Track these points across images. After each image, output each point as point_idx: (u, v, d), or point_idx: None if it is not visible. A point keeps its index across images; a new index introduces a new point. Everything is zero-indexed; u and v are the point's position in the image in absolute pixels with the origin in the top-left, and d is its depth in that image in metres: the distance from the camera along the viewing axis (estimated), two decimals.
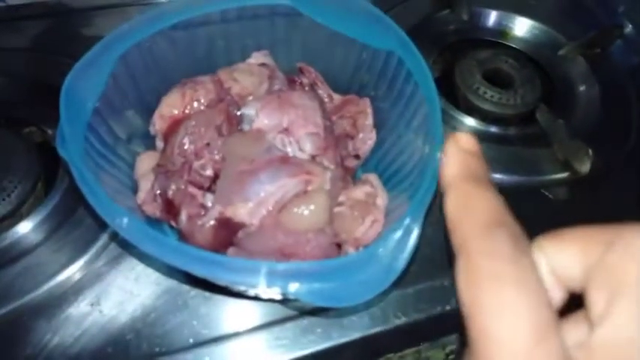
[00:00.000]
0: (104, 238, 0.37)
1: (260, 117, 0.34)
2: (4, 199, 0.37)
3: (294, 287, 0.24)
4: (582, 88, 0.49)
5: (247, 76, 0.36)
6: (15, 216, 0.38)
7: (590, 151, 0.40)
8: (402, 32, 0.34)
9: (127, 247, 0.36)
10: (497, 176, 0.42)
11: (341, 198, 0.33)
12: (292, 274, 0.24)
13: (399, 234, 0.26)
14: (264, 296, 0.33)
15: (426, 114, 0.32)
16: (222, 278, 0.25)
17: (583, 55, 0.50)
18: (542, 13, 0.54)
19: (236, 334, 0.33)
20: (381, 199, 0.34)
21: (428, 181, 0.27)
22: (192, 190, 0.32)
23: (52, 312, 0.33)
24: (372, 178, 0.35)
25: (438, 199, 0.38)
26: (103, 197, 0.27)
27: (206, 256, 0.25)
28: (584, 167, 0.40)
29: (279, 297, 0.33)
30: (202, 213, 0.31)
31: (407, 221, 0.26)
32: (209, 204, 0.32)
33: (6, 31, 0.51)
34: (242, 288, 0.32)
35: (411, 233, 0.26)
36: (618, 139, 0.44)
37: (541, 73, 0.50)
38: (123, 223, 0.26)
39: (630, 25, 0.52)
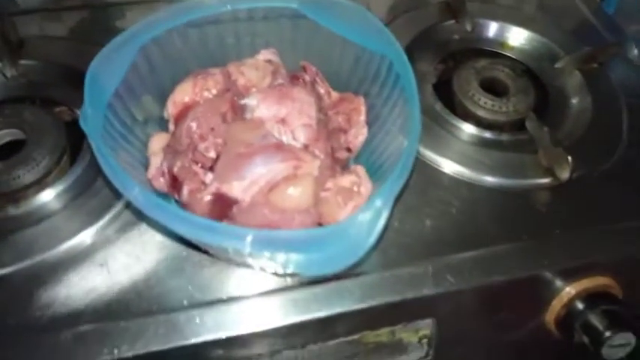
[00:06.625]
0: (116, 208, 0.41)
1: (260, 107, 0.38)
2: (33, 168, 0.42)
3: (269, 253, 0.28)
4: (575, 100, 0.51)
5: (253, 70, 0.40)
6: (41, 184, 0.42)
7: (570, 159, 0.42)
8: (393, 37, 0.37)
9: (136, 217, 0.40)
10: (487, 178, 0.44)
11: (328, 185, 0.37)
12: (269, 241, 0.28)
13: (369, 214, 0.29)
14: (269, 270, 0.37)
15: (408, 113, 0.35)
16: (212, 241, 0.28)
17: (580, 69, 0.52)
18: (542, 26, 0.56)
19: (228, 300, 0.36)
20: (365, 188, 0.37)
21: (399, 169, 0.31)
22: (195, 168, 0.36)
23: (65, 269, 0.38)
24: (359, 169, 0.38)
25: (419, 195, 0.42)
26: (117, 169, 0.31)
27: (201, 221, 0.29)
28: (564, 174, 0.42)
29: (277, 271, 0.37)
30: (202, 189, 0.35)
31: (377, 203, 0.29)
32: (209, 182, 0.36)
33: (47, 20, 0.56)
34: (237, 259, 0.36)
35: (381, 215, 0.29)
36: (604, 152, 0.46)
37: (537, 84, 0.52)
38: (134, 191, 0.30)
39: (631, 43, 0.54)
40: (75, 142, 0.45)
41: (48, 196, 0.42)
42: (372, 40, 0.39)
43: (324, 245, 0.29)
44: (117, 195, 0.41)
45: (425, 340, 0.40)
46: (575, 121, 0.49)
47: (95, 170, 0.43)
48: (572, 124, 0.49)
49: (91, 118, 0.33)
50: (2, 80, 0.49)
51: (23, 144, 0.44)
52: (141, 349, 0.33)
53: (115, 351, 0.33)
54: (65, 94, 0.49)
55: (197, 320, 0.35)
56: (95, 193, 0.42)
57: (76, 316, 0.35)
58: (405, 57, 0.36)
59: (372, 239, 0.29)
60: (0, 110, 0.46)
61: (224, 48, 0.43)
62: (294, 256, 0.29)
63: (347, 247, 0.29)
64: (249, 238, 0.28)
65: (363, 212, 0.29)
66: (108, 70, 0.36)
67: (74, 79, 0.49)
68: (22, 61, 0.50)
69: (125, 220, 0.40)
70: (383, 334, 0.39)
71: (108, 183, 0.36)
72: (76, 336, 0.34)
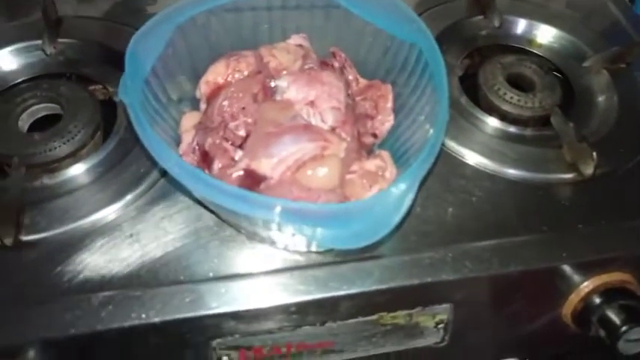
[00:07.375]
0: (146, 183, 0.42)
1: (290, 89, 0.39)
2: (68, 141, 0.43)
3: (297, 225, 0.29)
4: (601, 98, 0.51)
5: (284, 53, 0.41)
6: (75, 157, 0.44)
7: (595, 155, 0.42)
8: (424, 25, 0.38)
9: (164, 192, 0.41)
10: (510, 171, 0.45)
11: (353, 167, 0.37)
12: (297, 213, 0.29)
13: (395, 193, 0.30)
14: (292, 248, 0.38)
15: (436, 101, 0.36)
16: (244, 210, 0.29)
17: (607, 68, 0.52)
18: (570, 25, 0.56)
19: (251, 274, 0.37)
20: (390, 173, 0.38)
21: (426, 153, 0.31)
22: (225, 145, 0.37)
23: (96, 238, 0.39)
24: (384, 154, 0.39)
25: (442, 184, 0.43)
26: (155, 138, 0.33)
27: (234, 190, 0.30)
28: (588, 170, 0.43)
29: (301, 248, 0.38)
30: (232, 165, 0.36)
31: (402, 184, 0.30)
32: (238, 158, 0.37)
33: (82, 2, 0.58)
34: (262, 233, 0.37)
35: (406, 195, 0.30)
36: (628, 150, 0.46)
37: (563, 82, 0.52)
38: (170, 160, 0.31)
39: None
40: (108, 120, 0.47)
41: (81, 169, 0.43)
42: (402, 28, 0.39)
43: (350, 220, 0.30)
44: (152, 164, 0.42)
45: (441, 326, 0.40)
46: (601, 120, 0.49)
47: (126, 146, 0.44)
48: (597, 122, 0.49)
49: (130, 90, 0.35)
50: (42, 57, 0.51)
51: (59, 118, 0.46)
52: (168, 316, 0.35)
53: (143, 315, 0.35)
54: (100, 73, 0.51)
55: (222, 291, 0.36)
56: (126, 168, 0.43)
57: (105, 282, 0.37)
58: (435, 44, 0.36)
59: (398, 217, 0.30)
60: (38, 85, 0.48)
61: (258, 34, 0.44)
62: (320, 230, 0.30)
63: (372, 224, 0.30)
64: (278, 209, 0.29)
65: (389, 191, 0.30)
66: (146, 47, 0.37)
67: (110, 59, 0.51)
68: (61, 39, 0.52)
69: (154, 195, 0.42)
70: (400, 317, 0.39)
71: (144, 152, 0.37)
72: (105, 299, 0.35)
